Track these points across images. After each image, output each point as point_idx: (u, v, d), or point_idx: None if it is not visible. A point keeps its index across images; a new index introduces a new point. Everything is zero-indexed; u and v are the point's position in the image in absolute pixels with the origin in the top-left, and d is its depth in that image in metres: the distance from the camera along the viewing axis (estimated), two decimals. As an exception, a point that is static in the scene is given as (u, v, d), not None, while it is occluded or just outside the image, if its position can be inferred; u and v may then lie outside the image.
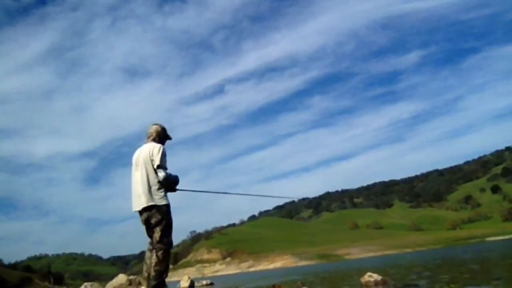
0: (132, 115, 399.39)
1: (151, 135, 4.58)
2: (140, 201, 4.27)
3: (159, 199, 4.24)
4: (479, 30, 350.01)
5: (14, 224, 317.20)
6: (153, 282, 4.16)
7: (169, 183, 4.35)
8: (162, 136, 4.63)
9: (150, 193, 4.23)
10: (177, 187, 4.59)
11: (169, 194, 4.54)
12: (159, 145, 4.42)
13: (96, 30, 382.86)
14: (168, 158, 4.46)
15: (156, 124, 4.71)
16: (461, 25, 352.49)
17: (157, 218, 4.22)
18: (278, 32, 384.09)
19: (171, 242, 4.33)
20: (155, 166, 4.28)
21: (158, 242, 4.24)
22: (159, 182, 4.27)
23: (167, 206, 4.30)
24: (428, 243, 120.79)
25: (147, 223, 4.33)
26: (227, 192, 6.40)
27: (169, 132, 4.80)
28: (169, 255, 4.30)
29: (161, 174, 4.23)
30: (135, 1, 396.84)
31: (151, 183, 4.26)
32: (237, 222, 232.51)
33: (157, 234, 4.23)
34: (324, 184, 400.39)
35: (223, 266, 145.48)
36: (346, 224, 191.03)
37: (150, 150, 4.36)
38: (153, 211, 4.24)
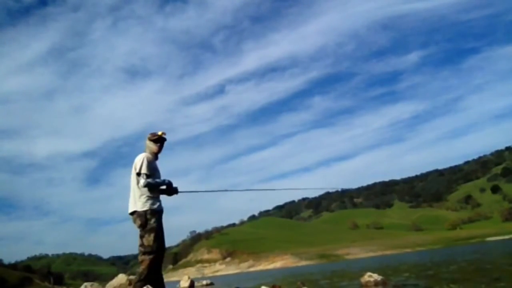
0: (133, 115, 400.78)
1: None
2: (129, 207, 4.61)
3: (140, 205, 4.51)
4: (479, 31, 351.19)
5: (14, 224, 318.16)
6: (133, 282, 4.52)
7: (152, 189, 4.56)
8: (149, 145, 4.78)
9: (134, 200, 4.56)
10: (180, 189, 4.83)
11: (173, 195, 4.85)
12: (142, 154, 4.68)
13: (97, 30, 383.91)
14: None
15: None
16: (461, 26, 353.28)
17: (138, 223, 4.50)
18: (278, 33, 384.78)
19: (152, 246, 4.43)
20: (136, 173, 4.57)
21: (139, 245, 4.47)
22: (142, 188, 4.53)
23: (147, 211, 4.49)
24: (428, 243, 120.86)
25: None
26: (227, 189, 6.42)
27: (152, 135, 4.80)
28: (150, 258, 4.40)
29: (141, 181, 4.49)
30: (136, 1, 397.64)
31: (135, 190, 4.57)
32: (237, 222, 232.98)
33: (139, 238, 4.50)
34: (324, 184, 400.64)
35: (223, 266, 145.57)
36: (346, 224, 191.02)
37: (136, 161, 4.64)
38: (134, 216, 4.53)
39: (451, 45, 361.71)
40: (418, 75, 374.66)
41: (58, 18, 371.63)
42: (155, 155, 4.78)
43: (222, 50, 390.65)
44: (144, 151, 4.76)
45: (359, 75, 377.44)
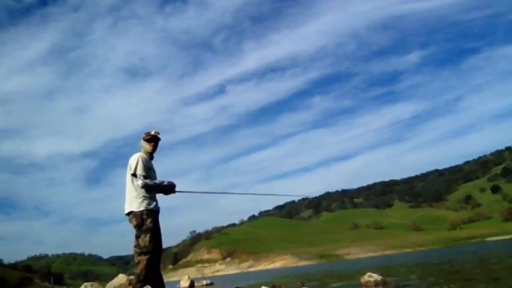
0: (133, 115, 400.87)
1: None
2: (125, 207, 4.58)
3: (136, 205, 4.48)
4: (479, 31, 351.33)
5: (14, 224, 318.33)
6: (133, 283, 4.50)
7: (149, 190, 4.52)
8: (143, 145, 4.75)
9: (130, 200, 4.53)
10: (177, 188, 4.76)
11: (170, 194, 4.76)
12: (137, 154, 4.65)
13: (97, 30, 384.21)
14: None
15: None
16: (461, 26, 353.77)
17: (134, 224, 4.46)
18: (279, 33, 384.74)
19: (147, 247, 4.40)
20: (131, 174, 4.54)
21: (135, 246, 4.43)
22: (138, 189, 4.49)
23: (143, 212, 4.45)
24: (428, 243, 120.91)
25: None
26: (226, 192, 6.40)
27: (146, 135, 4.75)
28: (146, 258, 4.37)
29: (138, 182, 4.46)
30: (136, 1, 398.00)
31: (131, 191, 4.54)
32: (237, 222, 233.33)
33: (135, 238, 4.45)
34: (324, 184, 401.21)
35: (223, 266, 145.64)
36: (346, 224, 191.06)
37: (130, 161, 4.61)
38: (130, 216, 4.49)
39: (451, 45, 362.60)
40: (418, 75, 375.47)
41: (59, 18, 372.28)
42: (150, 155, 4.75)
43: (222, 50, 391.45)
44: (139, 151, 4.73)
45: (359, 75, 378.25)
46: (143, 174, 4.47)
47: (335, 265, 44.91)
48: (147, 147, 4.72)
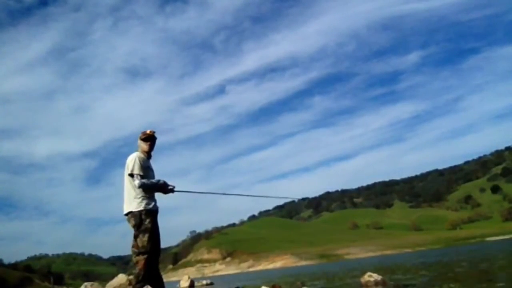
0: (133, 115, 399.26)
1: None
2: (123, 208, 4.57)
3: (135, 205, 4.48)
4: (479, 31, 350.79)
5: (15, 224, 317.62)
6: (133, 284, 4.47)
7: (147, 190, 4.52)
8: (140, 144, 4.77)
9: (128, 200, 4.53)
10: (176, 188, 4.75)
11: (169, 194, 4.75)
12: (134, 154, 4.66)
13: (97, 30, 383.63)
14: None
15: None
16: (461, 26, 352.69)
17: (132, 224, 4.46)
18: (279, 33, 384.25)
19: (146, 247, 4.39)
20: (128, 173, 4.54)
21: (132, 246, 4.42)
22: (137, 189, 4.48)
23: (142, 212, 4.45)
24: (428, 243, 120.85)
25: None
26: (225, 193, 6.41)
27: (142, 134, 4.78)
28: (144, 258, 4.36)
29: (136, 182, 4.46)
30: (136, 2, 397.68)
31: (129, 191, 4.54)
32: (237, 222, 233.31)
33: (133, 238, 4.44)
34: (324, 184, 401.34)
35: (223, 266, 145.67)
36: (346, 224, 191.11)
37: (127, 161, 4.61)
38: (129, 216, 4.49)
39: (451, 45, 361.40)
40: (418, 75, 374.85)
41: (59, 18, 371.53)
42: (147, 154, 4.76)
43: (223, 50, 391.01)
44: (137, 151, 4.74)
45: (359, 75, 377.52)
46: (140, 173, 4.47)
47: (335, 265, 44.93)
48: (144, 146, 4.74)
